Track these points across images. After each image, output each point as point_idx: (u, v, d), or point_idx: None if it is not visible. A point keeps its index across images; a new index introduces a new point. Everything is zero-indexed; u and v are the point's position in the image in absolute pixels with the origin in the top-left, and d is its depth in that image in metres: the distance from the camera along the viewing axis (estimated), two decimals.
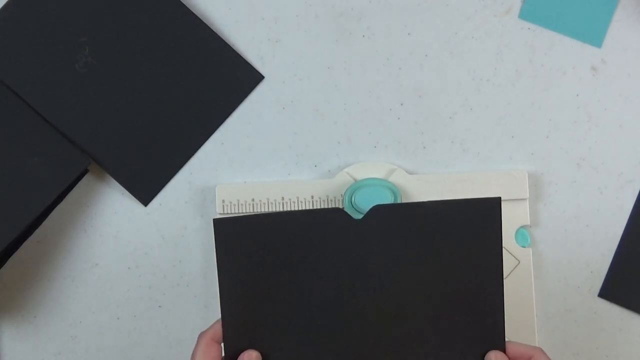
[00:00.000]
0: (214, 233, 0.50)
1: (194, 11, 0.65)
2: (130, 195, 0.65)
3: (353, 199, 0.62)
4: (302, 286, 0.50)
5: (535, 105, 0.65)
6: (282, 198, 0.64)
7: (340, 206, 0.63)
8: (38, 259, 0.65)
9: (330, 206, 0.63)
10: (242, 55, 0.66)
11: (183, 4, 0.65)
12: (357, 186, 0.63)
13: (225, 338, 0.50)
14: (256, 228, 0.50)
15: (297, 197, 0.64)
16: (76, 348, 0.65)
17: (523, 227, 0.64)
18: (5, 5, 0.64)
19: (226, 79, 0.65)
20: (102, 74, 0.65)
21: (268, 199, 0.63)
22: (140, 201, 0.65)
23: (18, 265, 0.65)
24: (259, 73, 0.66)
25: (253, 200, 0.64)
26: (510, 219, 0.63)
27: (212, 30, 0.65)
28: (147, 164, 0.65)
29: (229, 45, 0.65)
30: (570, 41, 0.65)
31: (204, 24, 0.65)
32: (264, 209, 0.63)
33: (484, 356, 0.51)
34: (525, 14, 0.66)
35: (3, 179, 0.61)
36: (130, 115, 0.65)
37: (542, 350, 0.51)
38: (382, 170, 0.64)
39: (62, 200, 0.65)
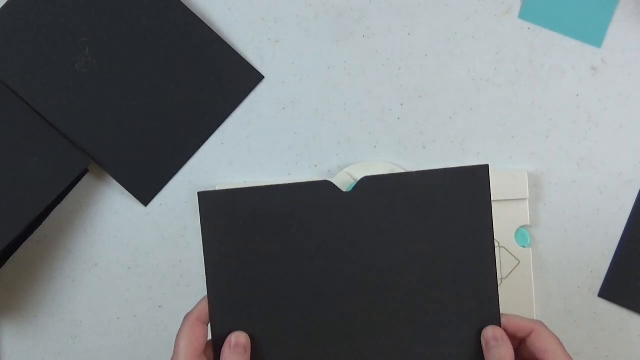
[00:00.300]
0: (199, 206, 0.48)
1: (194, 11, 0.65)
2: (130, 195, 0.65)
3: None
4: (291, 261, 0.49)
5: (535, 105, 0.65)
6: None
7: None
8: (38, 259, 0.65)
9: None
10: (242, 55, 0.66)
11: (183, 4, 0.65)
12: None
13: (212, 319, 0.48)
14: (243, 201, 0.49)
15: None
16: (76, 348, 0.65)
17: (523, 227, 0.64)
18: (5, 5, 0.64)
19: (226, 79, 0.65)
20: (102, 74, 0.65)
21: None
22: (140, 201, 0.65)
23: (18, 265, 0.65)
24: (259, 73, 0.66)
25: None
26: (510, 219, 0.63)
27: (212, 30, 0.65)
28: (147, 164, 0.65)
29: (228, 45, 0.65)
30: (570, 41, 0.65)
31: (204, 24, 0.65)
32: None
33: (481, 332, 0.49)
34: (525, 14, 0.66)
35: (3, 179, 0.61)
36: (130, 115, 0.65)
37: (542, 324, 0.49)
38: (382, 170, 0.64)
39: (62, 200, 0.65)
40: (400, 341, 0.49)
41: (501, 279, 0.63)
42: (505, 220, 0.63)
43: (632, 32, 0.65)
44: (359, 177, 0.64)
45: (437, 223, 0.50)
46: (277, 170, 0.65)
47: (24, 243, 0.65)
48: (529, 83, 0.65)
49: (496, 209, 0.63)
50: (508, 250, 0.63)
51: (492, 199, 0.62)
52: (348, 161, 0.65)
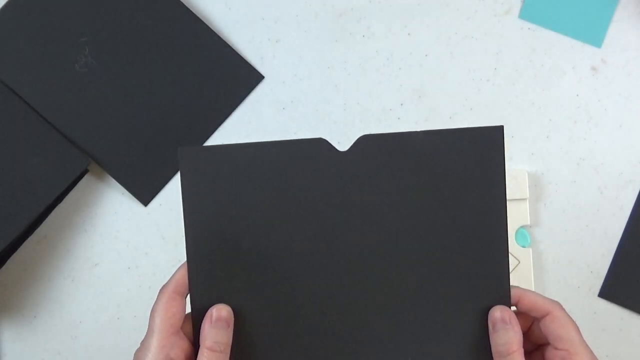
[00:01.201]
0: (179, 164, 0.43)
1: (194, 11, 0.65)
2: (130, 195, 0.65)
3: None
4: (280, 226, 0.44)
5: (535, 105, 0.65)
6: None
7: None
8: (38, 259, 0.65)
9: None
10: (242, 55, 0.66)
11: (183, 4, 0.65)
12: None
13: (192, 290, 0.43)
14: (229, 159, 0.44)
15: None
16: (76, 348, 0.65)
17: (523, 227, 0.64)
18: (5, 5, 0.64)
19: (226, 79, 0.65)
20: (102, 74, 0.65)
21: None
22: (140, 201, 0.65)
23: (18, 265, 0.65)
24: (259, 73, 0.66)
25: None
26: (511, 219, 0.63)
27: (212, 30, 0.65)
28: (147, 164, 0.65)
29: (229, 45, 0.65)
30: (570, 41, 0.65)
31: (204, 24, 0.65)
32: None
33: (488, 310, 0.44)
34: (525, 14, 0.66)
35: (3, 179, 0.61)
36: (130, 115, 0.65)
37: (560, 306, 0.44)
38: None
39: (62, 200, 0.65)
40: (397, 318, 0.44)
41: None
42: None
43: (632, 32, 0.65)
44: None
45: (443, 188, 0.44)
46: None
47: (24, 243, 0.65)
48: (529, 83, 0.65)
49: None
50: (509, 251, 0.63)
51: None
52: None
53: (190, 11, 0.65)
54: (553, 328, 0.43)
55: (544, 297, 0.44)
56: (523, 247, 0.63)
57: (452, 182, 0.44)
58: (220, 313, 0.42)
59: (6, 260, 0.65)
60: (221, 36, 0.65)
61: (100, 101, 0.65)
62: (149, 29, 0.65)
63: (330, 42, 0.66)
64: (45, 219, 0.65)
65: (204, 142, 0.65)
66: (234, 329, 0.42)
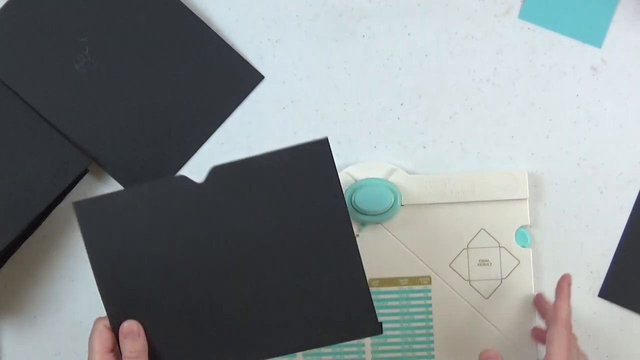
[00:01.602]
0: (76, 215, 0.52)
1: (194, 11, 0.65)
2: None
3: (353, 198, 0.62)
4: (163, 252, 0.52)
5: (535, 105, 0.65)
6: None
7: None
8: (38, 259, 0.65)
9: None
10: (242, 55, 0.66)
11: (183, 4, 0.65)
12: (357, 186, 0.63)
13: (109, 315, 0.52)
14: (113, 205, 0.52)
15: None
16: (76, 348, 0.65)
17: (523, 227, 0.64)
18: (5, 5, 0.64)
19: (226, 79, 0.65)
20: (102, 74, 0.65)
21: None
22: None
23: (18, 265, 0.65)
24: (259, 73, 0.66)
25: None
26: (510, 219, 0.63)
27: (212, 30, 0.65)
28: (147, 164, 0.65)
29: (229, 45, 0.65)
30: (570, 41, 0.65)
31: (204, 23, 0.65)
32: None
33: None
34: (525, 14, 0.66)
35: (3, 179, 0.61)
36: (130, 115, 0.65)
37: (559, 322, 0.54)
38: (382, 170, 0.64)
39: (62, 200, 0.65)
40: (270, 309, 0.52)
41: (501, 279, 0.63)
42: (505, 221, 0.63)
43: (632, 32, 0.65)
44: (359, 177, 0.64)
45: (290, 201, 0.52)
46: None
47: (24, 243, 0.65)
48: (529, 83, 0.65)
49: (496, 209, 0.63)
50: (508, 251, 0.63)
51: (492, 199, 0.62)
52: (348, 161, 0.65)
53: (190, 11, 0.65)
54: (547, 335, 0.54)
55: (559, 309, 0.55)
56: (523, 247, 0.64)
57: (295, 193, 0.52)
58: (130, 327, 0.52)
59: (6, 260, 0.65)
60: (221, 36, 0.65)
61: (100, 101, 0.64)
62: (148, 29, 0.65)
63: (330, 42, 0.66)
64: (45, 219, 0.65)
65: (204, 141, 0.65)
66: (148, 336, 0.52)
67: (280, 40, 0.66)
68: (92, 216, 0.52)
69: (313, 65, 0.66)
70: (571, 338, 0.54)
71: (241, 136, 0.66)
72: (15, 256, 0.65)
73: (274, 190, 0.52)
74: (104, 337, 0.51)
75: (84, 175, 0.65)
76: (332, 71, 0.66)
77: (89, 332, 0.65)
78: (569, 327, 0.54)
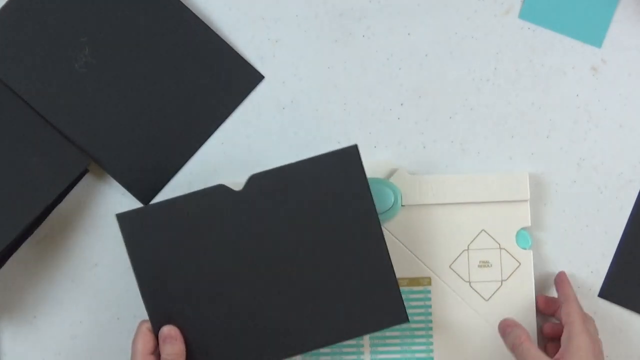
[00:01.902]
0: (119, 226, 0.56)
1: (194, 11, 0.65)
2: (130, 195, 0.65)
3: None
4: (204, 259, 0.56)
5: (535, 105, 0.65)
6: None
7: None
8: (38, 259, 0.65)
9: None
10: (242, 55, 0.66)
11: (183, 3, 0.65)
12: None
13: (150, 319, 0.56)
14: (154, 215, 0.56)
15: None
16: (76, 348, 0.65)
17: (524, 228, 0.64)
18: (5, 5, 0.64)
19: (226, 79, 0.65)
20: (102, 74, 0.65)
21: None
22: (140, 201, 0.65)
23: (18, 265, 0.65)
24: (259, 73, 0.66)
25: None
26: (511, 221, 0.63)
27: (212, 30, 0.65)
28: (147, 164, 0.65)
29: (229, 45, 0.65)
30: (570, 41, 0.65)
31: (204, 24, 0.65)
32: None
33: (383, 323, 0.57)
34: (525, 14, 0.66)
35: (3, 179, 0.61)
36: (130, 115, 0.65)
37: (570, 298, 0.60)
38: (383, 170, 0.64)
39: (62, 200, 0.65)
40: (302, 312, 0.56)
41: (502, 280, 0.63)
42: (506, 222, 0.63)
43: (632, 32, 0.65)
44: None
45: (322, 206, 0.56)
46: None
47: (24, 243, 0.65)
48: (529, 83, 0.65)
49: (497, 211, 0.63)
50: (509, 252, 0.63)
51: (493, 200, 0.63)
52: None
53: (190, 11, 0.65)
54: (564, 310, 0.59)
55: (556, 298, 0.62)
56: (524, 248, 0.63)
57: (327, 198, 0.56)
58: (169, 332, 0.56)
59: (6, 260, 0.65)
60: (221, 36, 0.65)
61: (100, 101, 0.64)
62: (149, 29, 0.65)
63: (330, 42, 0.66)
64: (45, 219, 0.65)
65: (204, 141, 0.65)
66: (187, 340, 0.56)
67: (280, 40, 0.66)
68: (134, 227, 0.56)
69: (313, 65, 0.66)
70: (585, 314, 0.59)
71: (241, 136, 0.66)
72: (15, 256, 0.65)
73: (308, 195, 0.56)
74: (146, 339, 0.55)
75: (84, 175, 0.65)
76: (332, 71, 0.66)
77: (89, 332, 0.65)
78: (579, 305, 0.59)
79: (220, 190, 0.56)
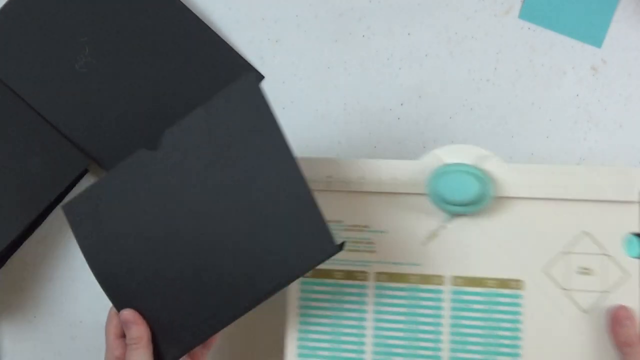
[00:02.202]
0: (66, 217, 0.55)
1: (194, 11, 0.65)
2: None
3: (437, 185, 0.56)
4: (145, 230, 0.54)
5: (535, 105, 0.65)
6: (362, 178, 0.57)
7: (424, 192, 0.56)
8: (38, 259, 0.65)
9: (414, 192, 0.57)
10: (242, 55, 0.66)
11: (183, 3, 0.65)
12: (442, 171, 0.56)
13: (114, 304, 0.55)
14: (93, 197, 0.55)
15: (379, 178, 0.57)
16: (76, 348, 0.65)
17: (634, 234, 0.55)
18: (5, 5, 0.64)
19: (227, 79, 0.65)
20: (102, 73, 0.65)
21: (347, 177, 0.57)
22: None
23: (18, 265, 0.65)
24: (259, 73, 0.66)
25: (330, 177, 0.58)
26: (619, 224, 0.55)
27: (212, 31, 0.65)
28: None
29: (228, 45, 0.65)
30: (570, 41, 0.65)
31: (204, 24, 0.65)
32: (343, 189, 0.58)
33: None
34: (525, 14, 0.66)
35: (3, 179, 0.61)
36: (131, 114, 0.65)
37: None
38: (473, 155, 0.57)
39: (62, 200, 0.65)
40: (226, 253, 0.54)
41: (605, 292, 0.55)
42: (612, 225, 0.55)
43: (632, 32, 0.65)
44: (447, 160, 0.57)
45: (235, 145, 0.53)
46: None
47: (24, 243, 0.65)
48: (529, 83, 0.65)
49: (602, 210, 0.55)
50: (615, 260, 0.55)
51: (598, 198, 0.55)
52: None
53: (190, 11, 0.65)
54: None
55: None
56: (633, 257, 0.54)
57: (237, 135, 0.53)
58: (126, 317, 0.54)
59: (6, 260, 0.65)
60: (221, 36, 0.65)
61: (101, 101, 0.65)
62: (148, 29, 0.65)
63: (330, 42, 0.66)
64: (45, 219, 0.65)
65: None
66: (148, 320, 0.54)
67: (280, 40, 0.66)
68: (78, 213, 0.55)
69: (313, 65, 0.66)
70: None
71: None
72: (15, 256, 0.65)
73: (219, 138, 0.53)
74: (114, 323, 0.55)
75: (84, 175, 0.65)
76: (332, 71, 0.66)
77: (89, 332, 0.65)
78: None
79: (141, 155, 0.55)
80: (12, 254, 0.65)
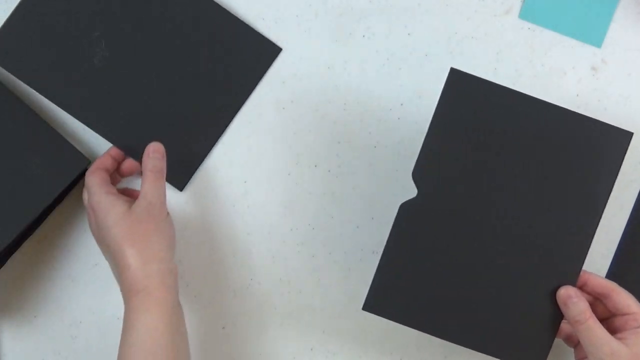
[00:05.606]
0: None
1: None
2: None
3: None
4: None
5: None
6: None
7: None
8: (38, 259, 0.65)
9: None
10: (266, 37, 0.65)
11: None
12: None
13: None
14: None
15: None
16: (76, 348, 0.65)
17: None
18: (20, 4, 0.64)
19: (244, 56, 0.65)
20: (119, 65, 0.64)
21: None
22: (177, 188, 0.65)
23: (18, 265, 0.65)
24: (277, 45, 0.65)
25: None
26: None
27: (228, 11, 0.64)
28: (176, 150, 0.64)
29: (243, 22, 0.65)
30: (570, 41, 0.65)
31: (221, 7, 0.64)
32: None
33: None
34: (525, 14, 0.66)
35: (3, 179, 0.61)
36: (153, 104, 0.64)
37: (617, 284, 0.56)
38: None
39: (62, 200, 0.65)
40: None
41: None
42: None
43: (632, 32, 0.65)
44: None
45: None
46: (277, 170, 0.65)
47: (24, 243, 0.65)
48: (529, 83, 0.65)
49: None
50: None
51: None
52: (348, 161, 0.65)
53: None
54: (619, 300, 0.55)
55: (604, 279, 0.57)
56: None
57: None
58: (155, 147, 0.60)
59: (6, 260, 0.65)
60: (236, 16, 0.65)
61: (121, 92, 0.64)
62: (164, 19, 0.64)
63: (330, 42, 0.66)
64: (45, 219, 0.65)
65: (230, 121, 0.65)
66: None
67: (280, 40, 0.66)
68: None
69: (313, 65, 0.66)
70: None
71: (241, 136, 0.66)
72: (15, 256, 0.65)
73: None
74: (99, 174, 0.60)
75: (83, 175, 0.65)
76: (332, 71, 0.66)
77: (89, 332, 0.65)
78: None
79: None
80: (12, 254, 0.65)
